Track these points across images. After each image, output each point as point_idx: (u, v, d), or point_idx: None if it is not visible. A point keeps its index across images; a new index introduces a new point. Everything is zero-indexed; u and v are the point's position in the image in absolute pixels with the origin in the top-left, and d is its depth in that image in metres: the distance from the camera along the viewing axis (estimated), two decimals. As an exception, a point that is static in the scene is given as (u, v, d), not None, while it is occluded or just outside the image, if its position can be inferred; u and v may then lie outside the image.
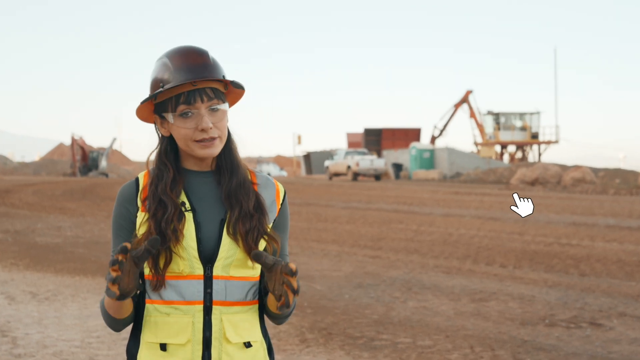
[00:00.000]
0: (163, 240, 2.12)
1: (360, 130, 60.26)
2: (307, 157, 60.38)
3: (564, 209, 20.33)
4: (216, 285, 2.15)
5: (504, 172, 40.22)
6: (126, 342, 2.52)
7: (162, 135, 2.22)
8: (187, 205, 2.17)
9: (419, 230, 15.73)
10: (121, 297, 2.01)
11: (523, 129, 57.38)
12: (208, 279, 2.14)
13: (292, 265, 1.98)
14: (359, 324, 7.44)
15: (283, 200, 2.27)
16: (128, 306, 2.16)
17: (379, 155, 53.65)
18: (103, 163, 53.02)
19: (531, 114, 57.54)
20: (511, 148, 59.20)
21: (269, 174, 2.33)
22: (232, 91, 2.27)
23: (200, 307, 2.14)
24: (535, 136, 57.58)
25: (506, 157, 58.68)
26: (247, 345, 2.19)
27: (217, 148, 2.17)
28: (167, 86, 2.13)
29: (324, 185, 35.20)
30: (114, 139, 56.69)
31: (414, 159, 48.64)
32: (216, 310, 2.15)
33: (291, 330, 7.15)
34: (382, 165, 42.57)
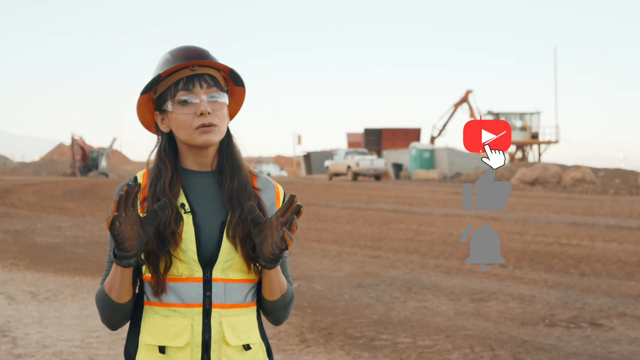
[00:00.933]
0: (162, 244, 2.10)
1: (360, 130, 60.27)
2: (307, 157, 60.37)
3: (564, 209, 20.33)
4: (215, 288, 2.13)
5: (504, 172, 40.24)
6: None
7: (162, 133, 2.21)
8: (187, 207, 2.16)
9: (419, 230, 15.73)
10: (121, 256, 2.01)
11: (523, 129, 57.36)
12: (207, 282, 2.13)
13: (291, 197, 2.01)
14: (359, 324, 7.44)
15: (283, 202, 2.25)
16: (128, 287, 2.12)
17: (379, 155, 53.62)
18: (103, 163, 53.00)
19: (531, 114, 57.53)
20: (511, 148, 59.21)
21: (269, 174, 2.32)
22: (233, 91, 2.27)
23: (200, 309, 2.12)
24: (535, 136, 57.56)
25: (506, 157, 58.66)
26: (247, 347, 2.17)
27: (216, 135, 2.16)
28: (164, 69, 2.15)
29: (324, 185, 35.19)
30: (114, 139, 56.69)
31: (414, 159, 48.63)
32: (215, 313, 2.13)
33: (291, 330, 7.15)
34: (382, 165, 42.56)
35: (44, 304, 8.31)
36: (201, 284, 2.13)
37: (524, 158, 58.03)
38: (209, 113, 2.14)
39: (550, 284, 9.62)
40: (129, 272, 2.09)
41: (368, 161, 42.34)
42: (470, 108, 58.42)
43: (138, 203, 2.15)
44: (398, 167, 47.81)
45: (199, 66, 2.17)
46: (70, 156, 54.87)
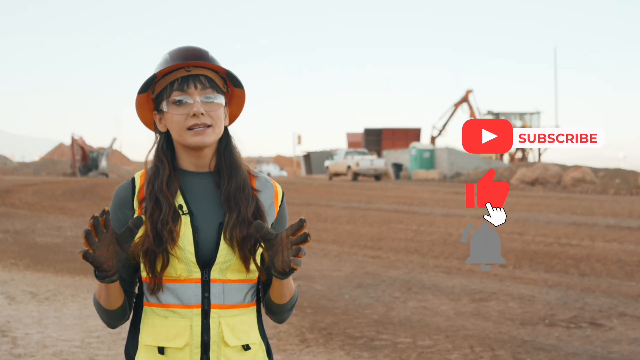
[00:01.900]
0: (160, 242, 2.10)
1: (360, 130, 60.29)
2: (307, 157, 60.37)
3: (564, 209, 20.33)
4: (214, 289, 2.13)
5: (504, 172, 40.22)
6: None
7: (159, 132, 2.21)
8: (185, 208, 2.15)
9: (419, 230, 15.73)
10: (102, 276, 2.00)
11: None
12: (206, 283, 2.13)
13: (300, 221, 1.99)
14: (359, 324, 7.44)
15: (281, 201, 2.25)
16: (117, 296, 2.13)
17: (379, 155, 53.62)
18: (103, 163, 53.01)
19: (531, 113, 57.54)
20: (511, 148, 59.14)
21: (268, 174, 2.32)
22: (233, 93, 2.27)
23: (199, 310, 2.13)
24: (535, 136, 57.53)
25: (506, 157, 58.68)
26: (246, 348, 2.17)
27: (209, 137, 2.14)
28: (160, 69, 2.15)
29: (324, 185, 35.19)
30: (114, 139, 56.69)
31: (414, 159, 48.63)
32: (214, 313, 2.13)
33: (291, 330, 7.14)
34: (382, 165, 42.55)
35: (44, 304, 8.30)
36: (199, 284, 2.13)
37: (524, 158, 58.04)
38: (202, 114, 2.13)
39: (550, 284, 9.62)
40: (114, 284, 2.10)
41: (368, 161, 42.33)
42: (470, 108, 58.43)
43: (135, 204, 2.16)
44: (398, 167, 47.81)
45: (195, 67, 2.16)
46: (70, 156, 54.87)
